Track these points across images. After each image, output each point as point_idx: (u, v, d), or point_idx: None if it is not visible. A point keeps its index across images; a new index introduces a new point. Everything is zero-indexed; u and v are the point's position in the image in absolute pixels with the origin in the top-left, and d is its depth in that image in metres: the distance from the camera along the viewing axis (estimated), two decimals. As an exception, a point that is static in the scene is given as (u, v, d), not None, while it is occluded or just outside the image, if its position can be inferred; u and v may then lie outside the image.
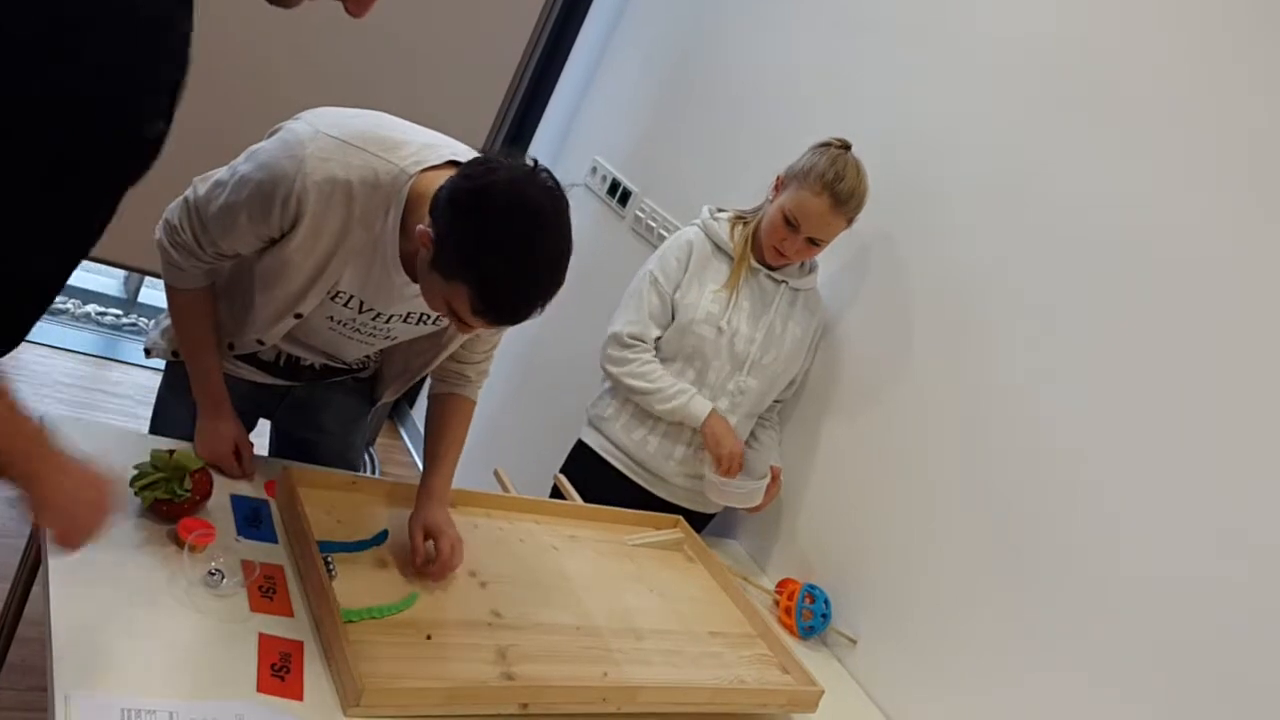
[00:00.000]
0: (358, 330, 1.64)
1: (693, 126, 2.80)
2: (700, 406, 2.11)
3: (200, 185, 1.54)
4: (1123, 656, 1.63)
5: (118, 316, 3.69)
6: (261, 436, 1.87)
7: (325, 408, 1.88)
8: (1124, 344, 1.73)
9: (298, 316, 1.59)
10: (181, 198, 1.56)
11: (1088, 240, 1.81)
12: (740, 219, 2.17)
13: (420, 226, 1.37)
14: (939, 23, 2.18)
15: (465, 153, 1.51)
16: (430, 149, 1.47)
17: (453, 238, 1.34)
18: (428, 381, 1.84)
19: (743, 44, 2.70)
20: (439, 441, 1.74)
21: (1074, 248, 1.83)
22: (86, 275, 3.67)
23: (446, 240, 1.34)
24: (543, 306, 1.38)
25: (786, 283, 2.15)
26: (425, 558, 1.61)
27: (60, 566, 1.32)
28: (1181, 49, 1.74)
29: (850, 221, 2.04)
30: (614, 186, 2.99)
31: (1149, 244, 1.72)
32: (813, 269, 2.21)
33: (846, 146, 2.04)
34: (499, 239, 1.32)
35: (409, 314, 1.62)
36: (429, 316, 1.63)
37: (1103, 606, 1.67)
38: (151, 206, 1.61)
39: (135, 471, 1.49)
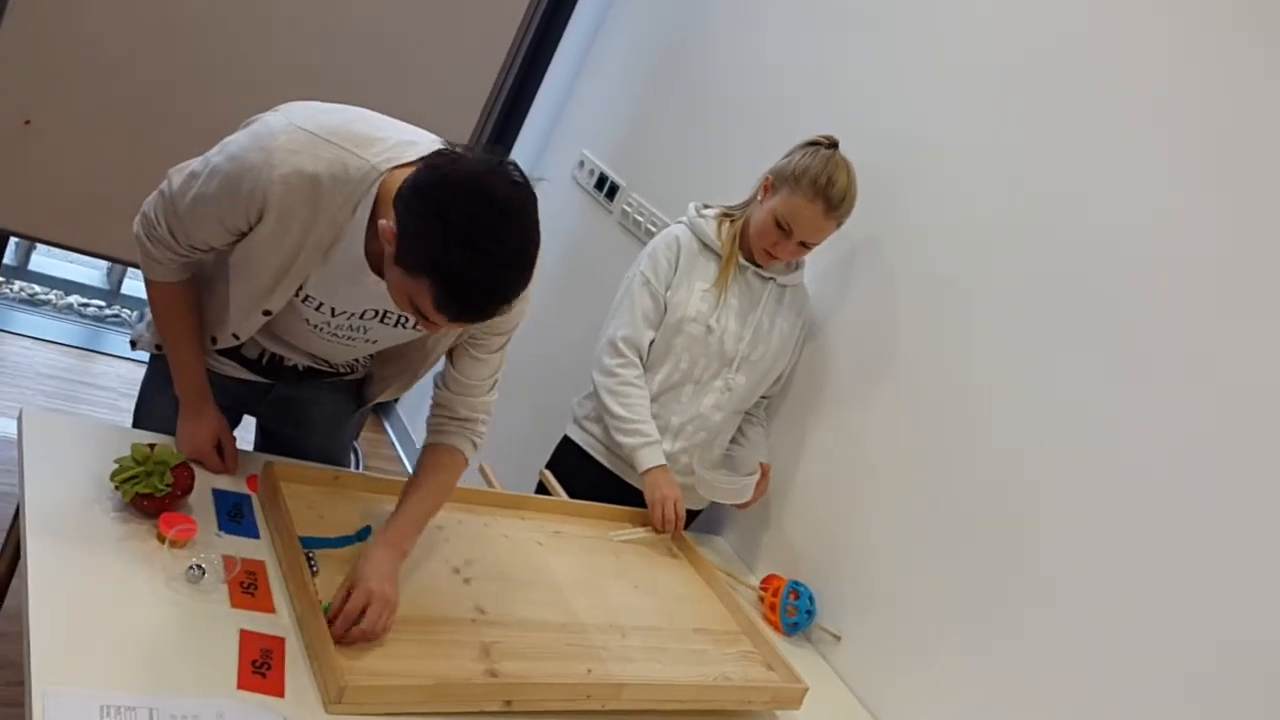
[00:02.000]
0: (335, 334, 1.62)
1: (681, 120, 2.79)
2: (647, 457, 2.06)
3: (175, 177, 1.51)
4: (1103, 652, 1.64)
5: (101, 308, 3.66)
6: (247, 432, 1.86)
7: (311, 405, 1.86)
8: (1114, 344, 1.73)
9: (267, 314, 1.56)
10: (157, 190, 1.54)
11: (1077, 240, 1.81)
12: (727, 216, 2.16)
13: (383, 222, 1.33)
14: (926, 20, 2.18)
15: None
16: (408, 146, 1.42)
17: (414, 230, 1.28)
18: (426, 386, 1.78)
19: (731, 37, 2.69)
20: (410, 486, 1.61)
21: (1063, 248, 1.83)
22: (69, 266, 3.64)
23: (408, 232, 1.29)
24: (509, 304, 1.32)
25: (774, 279, 2.14)
26: (334, 614, 1.41)
27: (39, 561, 1.31)
28: (1172, 52, 1.74)
29: (841, 223, 2.03)
30: (601, 180, 2.98)
31: (1140, 244, 1.72)
32: (799, 265, 2.20)
33: (834, 145, 2.03)
34: (462, 231, 1.25)
35: (385, 313, 1.58)
36: (407, 319, 1.58)
37: (1086, 605, 1.68)
38: (136, 197, 1.60)
39: (116, 465, 1.48)
